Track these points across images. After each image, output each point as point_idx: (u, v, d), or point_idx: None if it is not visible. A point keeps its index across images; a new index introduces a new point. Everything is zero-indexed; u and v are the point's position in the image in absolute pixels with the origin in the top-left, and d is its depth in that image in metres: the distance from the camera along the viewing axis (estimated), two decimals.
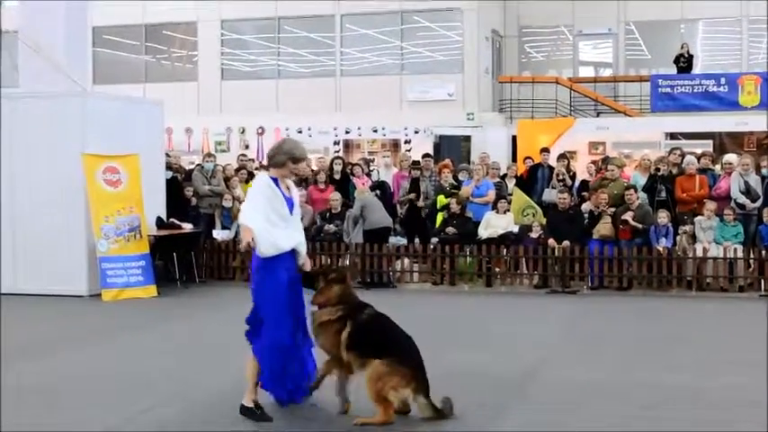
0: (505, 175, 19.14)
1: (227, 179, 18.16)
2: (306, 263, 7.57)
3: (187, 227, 16.56)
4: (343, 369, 7.33)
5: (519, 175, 19.17)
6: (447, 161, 19.75)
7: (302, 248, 7.50)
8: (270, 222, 7.30)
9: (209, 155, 18.88)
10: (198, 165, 18.73)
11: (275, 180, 7.45)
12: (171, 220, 16.28)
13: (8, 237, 15.03)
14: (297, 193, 7.77)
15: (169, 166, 17.37)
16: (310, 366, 7.62)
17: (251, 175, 19.01)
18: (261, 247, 7.19)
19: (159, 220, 16.11)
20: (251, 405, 7.36)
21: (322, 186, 17.92)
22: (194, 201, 17.49)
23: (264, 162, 21.16)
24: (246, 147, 27.81)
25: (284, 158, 7.50)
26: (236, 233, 17.35)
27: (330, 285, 7.37)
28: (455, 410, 7.23)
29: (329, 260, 16.78)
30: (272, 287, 7.31)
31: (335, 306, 7.30)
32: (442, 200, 17.48)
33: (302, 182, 18.48)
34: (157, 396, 8.06)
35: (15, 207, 15.02)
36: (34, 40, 15.36)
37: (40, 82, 15.18)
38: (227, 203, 17.58)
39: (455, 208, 16.84)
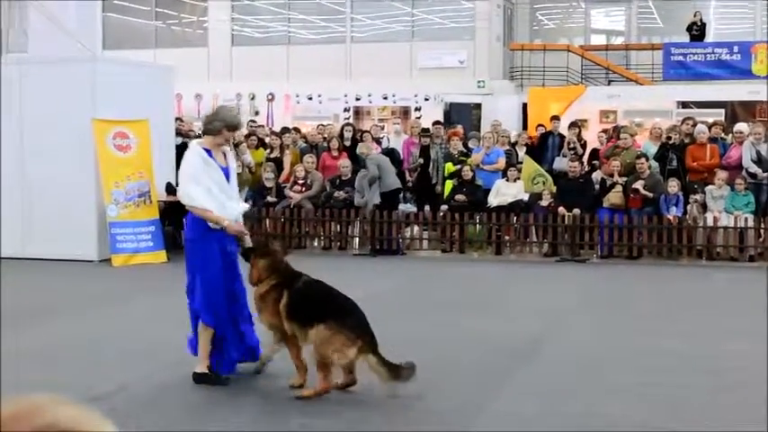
0: (515, 142, 19.08)
1: (236, 145, 18.12)
2: (245, 239, 7.54)
3: None
4: (290, 343, 7.25)
5: (531, 143, 19.11)
6: (458, 128, 19.68)
7: (240, 219, 7.55)
8: (212, 196, 7.28)
9: None
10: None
11: (209, 151, 7.37)
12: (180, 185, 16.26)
13: (19, 202, 15.06)
14: (234, 162, 7.77)
15: (179, 132, 17.34)
16: (253, 341, 7.62)
17: (261, 142, 18.99)
18: (210, 222, 7.22)
19: (169, 185, 16.09)
20: (204, 371, 7.37)
21: (335, 153, 17.87)
22: None
23: (271, 129, 21.13)
24: (257, 113, 27.77)
25: (220, 126, 7.41)
26: (246, 199, 17.37)
27: (259, 260, 7.33)
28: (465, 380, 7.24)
29: (338, 227, 16.80)
30: (204, 259, 7.33)
31: (269, 278, 7.27)
32: (450, 167, 17.43)
33: (313, 148, 18.46)
34: (157, 362, 8.07)
35: (26, 172, 15.03)
36: (44, 5, 15.31)
37: (50, 47, 15.15)
38: (237, 169, 17.54)
39: (467, 174, 16.79)
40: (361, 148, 16.81)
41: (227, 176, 7.48)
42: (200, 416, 6.60)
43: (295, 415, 6.53)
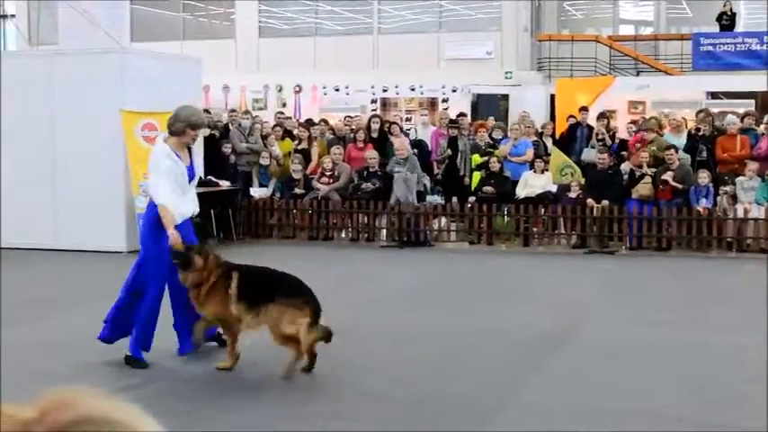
0: (541, 133, 19.00)
1: (264, 137, 18.18)
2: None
3: (224, 184, 16.61)
4: (229, 331, 7.54)
5: (559, 133, 19.03)
6: (491, 120, 19.58)
7: (188, 216, 7.92)
8: (176, 193, 7.63)
9: (247, 112, 18.88)
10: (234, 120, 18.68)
11: (174, 151, 7.67)
12: (209, 177, 16.32)
13: (48, 193, 15.16)
14: (198, 160, 7.96)
15: (207, 124, 17.37)
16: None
17: (288, 133, 19.01)
18: (174, 218, 7.53)
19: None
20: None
21: (361, 144, 17.86)
22: (232, 158, 17.52)
23: (298, 121, 21.17)
24: (284, 105, 27.79)
25: (182, 126, 7.70)
26: (274, 191, 17.41)
27: (200, 258, 7.50)
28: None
29: (366, 218, 16.79)
30: (158, 250, 7.59)
31: (214, 272, 7.48)
32: (476, 159, 17.39)
33: (340, 140, 18.46)
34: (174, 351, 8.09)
35: (56, 164, 15.13)
36: None
37: (79, 39, 15.23)
38: (265, 161, 17.60)
39: (495, 166, 16.74)
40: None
41: (191, 176, 7.88)
42: (227, 402, 6.63)
43: (322, 406, 6.53)
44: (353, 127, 18.97)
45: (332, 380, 7.24)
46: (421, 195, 16.69)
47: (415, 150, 17.60)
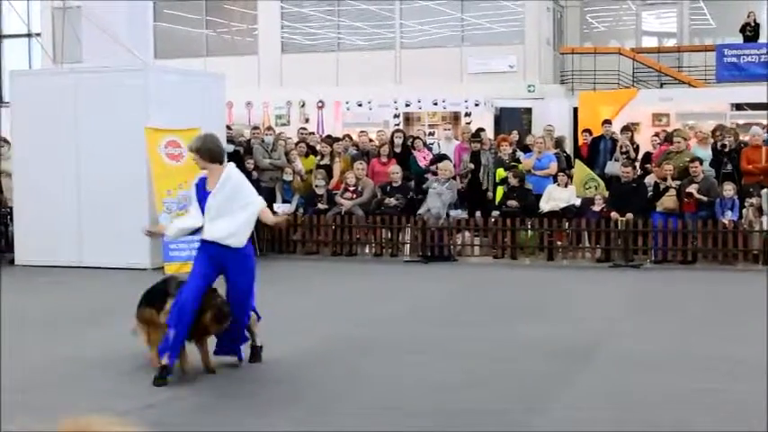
0: (563, 146, 18.95)
1: (287, 152, 18.20)
2: None
3: None
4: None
5: (581, 146, 18.99)
6: (513, 134, 19.53)
7: None
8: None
9: (270, 128, 18.93)
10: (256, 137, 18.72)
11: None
12: None
13: (73, 211, 15.24)
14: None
15: (231, 140, 17.44)
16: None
17: (311, 149, 19.03)
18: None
19: None
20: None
21: (384, 159, 17.86)
22: (255, 174, 17.55)
23: (321, 137, 21.18)
24: (306, 120, 27.85)
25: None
26: (297, 206, 17.42)
27: None
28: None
29: (389, 233, 16.77)
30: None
31: None
32: (500, 173, 17.35)
33: (364, 155, 18.47)
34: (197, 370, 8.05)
35: (80, 181, 15.21)
36: (97, 15, 15.49)
37: (103, 57, 15.33)
38: (288, 177, 17.62)
39: (513, 181, 16.70)
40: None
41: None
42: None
43: (349, 421, 6.51)
44: (377, 143, 18.97)
45: (359, 395, 7.21)
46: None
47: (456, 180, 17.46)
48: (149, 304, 8.07)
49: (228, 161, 8.22)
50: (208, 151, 7.96)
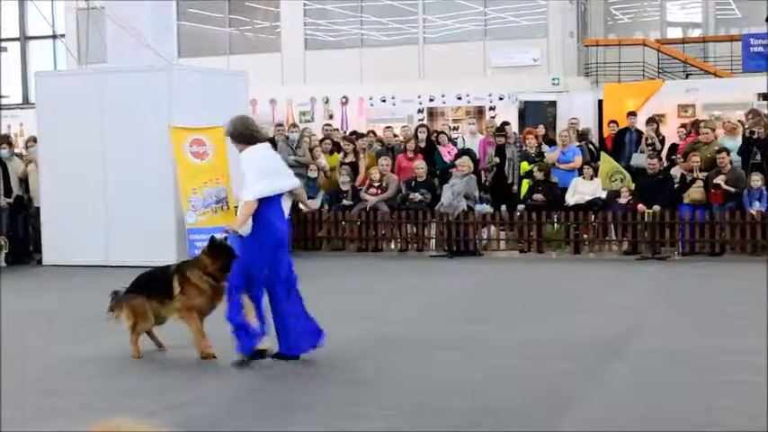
0: (588, 138, 18.87)
1: (311, 149, 18.20)
2: None
3: None
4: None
5: (606, 138, 18.91)
6: (540, 128, 19.47)
7: None
8: None
9: (294, 125, 18.93)
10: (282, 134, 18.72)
11: None
12: None
13: (100, 210, 15.32)
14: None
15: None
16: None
17: (335, 146, 19.02)
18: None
19: None
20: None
21: (410, 155, 17.83)
22: None
23: (344, 134, 21.16)
24: (331, 117, 27.86)
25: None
26: (322, 203, 17.43)
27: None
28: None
29: (415, 229, 16.74)
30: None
31: None
32: (525, 166, 17.29)
33: (389, 150, 18.44)
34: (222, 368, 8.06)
35: (107, 181, 15.28)
36: (120, 15, 15.56)
37: (128, 57, 15.40)
38: (313, 174, 17.63)
39: (539, 174, 16.63)
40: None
41: None
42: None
43: (376, 420, 6.49)
44: (401, 138, 18.94)
45: (386, 393, 7.19)
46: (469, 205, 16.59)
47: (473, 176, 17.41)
48: (144, 292, 8.37)
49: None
50: (239, 135, 8.09)
